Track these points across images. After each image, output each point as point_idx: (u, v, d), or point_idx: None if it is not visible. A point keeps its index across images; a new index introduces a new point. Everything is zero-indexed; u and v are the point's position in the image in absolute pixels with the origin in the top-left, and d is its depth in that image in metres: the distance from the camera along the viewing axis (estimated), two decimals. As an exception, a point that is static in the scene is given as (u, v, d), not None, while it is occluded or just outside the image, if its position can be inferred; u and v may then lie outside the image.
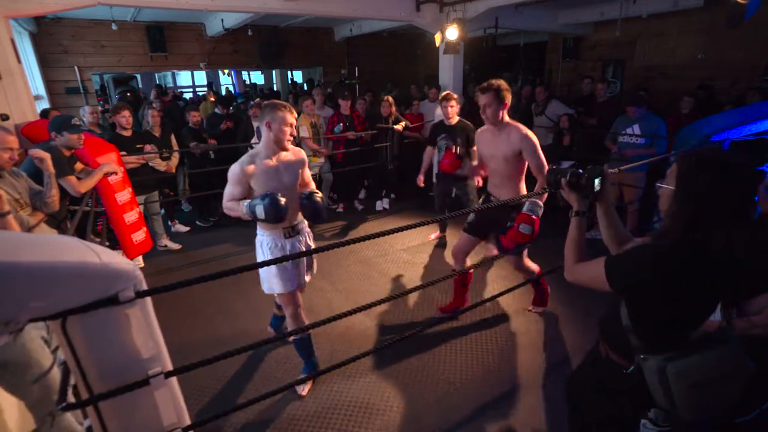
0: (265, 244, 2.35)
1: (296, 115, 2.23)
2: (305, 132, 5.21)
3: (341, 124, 5.37)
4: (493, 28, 6.21)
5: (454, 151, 3.03)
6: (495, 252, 4.29)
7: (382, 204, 5.73)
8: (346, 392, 2.46)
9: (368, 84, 9.19)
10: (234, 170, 2.14)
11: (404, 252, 4.39)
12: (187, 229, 5.11)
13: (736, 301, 1.26)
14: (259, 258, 2.36)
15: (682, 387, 1.18)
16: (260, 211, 2.02)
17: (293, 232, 2.36)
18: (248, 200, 2.10)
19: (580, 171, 1.40)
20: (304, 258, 2.46)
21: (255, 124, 5.04)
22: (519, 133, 2.56)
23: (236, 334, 3.04)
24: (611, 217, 1.46)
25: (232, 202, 2.17)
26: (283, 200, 2.03)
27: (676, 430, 2.03)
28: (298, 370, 2.62)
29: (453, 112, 3.95)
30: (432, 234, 4.69)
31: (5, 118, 3.35)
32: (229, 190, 2.17)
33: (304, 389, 2.45)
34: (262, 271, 2.37)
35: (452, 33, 5.19)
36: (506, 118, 2.62)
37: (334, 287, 3.70)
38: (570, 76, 8.29)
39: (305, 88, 9.44)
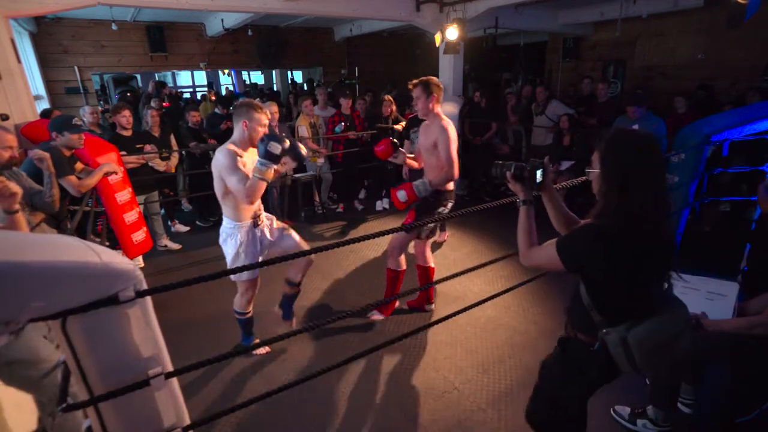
0: (236, 236, 2.44)
1: (269, 116, 2.43)
2: (305, 132, 5.21)
3: (342, 124, 5.37)
4: (493, 28, 6.21)
5: (390, 138, 3.07)
6: (446, 237, 4.58)
7: (382, 204, 5.73)
8: (345, 392, 2.46)
9: (368, 84, 9.19)
10: (231, 158, 2.23)
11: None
12: (187, 228, 5.11)
13: (674, 267, 1.37)
14: (231, 249, 2.45)
15: (642, 352, 1.29)
16: (274, 147, 2.08)
17: (259, 221, 2.50)
18: (256, 163, 2.16)
19: (523, 164, 1.52)
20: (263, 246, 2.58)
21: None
22: (439, 124, 2.70)
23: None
24: (555, 203, 1.59)
25: (247, 183, 2.21)
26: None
27: (676, 430, 2.03)
28: (298, 370, 2.62)
29: None
30: (444, 234, 4.64)
31: (5, 118, 3.34)
32: (238, 176, 2.22)
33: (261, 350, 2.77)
34: (229, 260, 2.48)
35: (452, 33, 5.19)
36: (436, 110, 2.75)
37: (334, 287, 3.70)
38: (570, 76, 8.29)
39: (305, 88, 9.43)
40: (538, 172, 1.50)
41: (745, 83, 5.75)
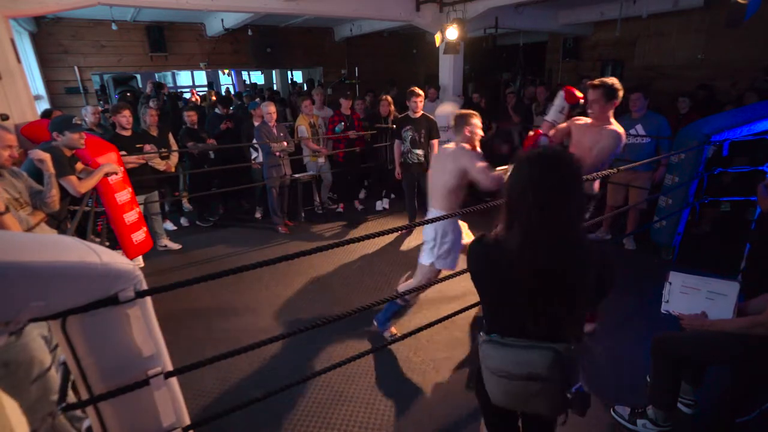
0: (457, 228, 2.69)
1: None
2: (305, 132, 5.21)
3: (342, 124, 5.37)
4: (493, 28, 6.21)
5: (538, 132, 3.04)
6: None
7: (382, 204, 5.73)
8: (346, 392, 2.46)
9: (368, 84, 9.19)
10: (477, 155, 2.58)
11: (404, 252, 4.39)
12: (174, 228, 5.13)
13: (539, 307, 1.18)
14: (453, 237, 2.65)
15: (484, 369, 1.27)
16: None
17: None
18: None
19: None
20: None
21: (256, 124, 5.04)
22: (614, 134, 2.55)
23: (236, 334, 3.04)
24: None
25: (490, 174, 2.43)
26: None
27: (676, 430, 2.03)
28: (298, 370, 2.62)
29: (420, 107, 4.49)
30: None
31: (5, 118, 3.34)
32: (484, 169, 2.47)
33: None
34: (447, 247, 2.65)
35: (452, 33, 5.19)
36: (611, 118, 2.64)
37: (334, 287, 3.70)
38: (570, 76, 8.29)
39: (305, 88, 9.43)
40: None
41: (746, 83, 5.75)
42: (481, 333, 1.33)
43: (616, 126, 2.60)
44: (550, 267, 1.12)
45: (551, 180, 1.12)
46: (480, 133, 2.62)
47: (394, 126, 5.14)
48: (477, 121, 2.60)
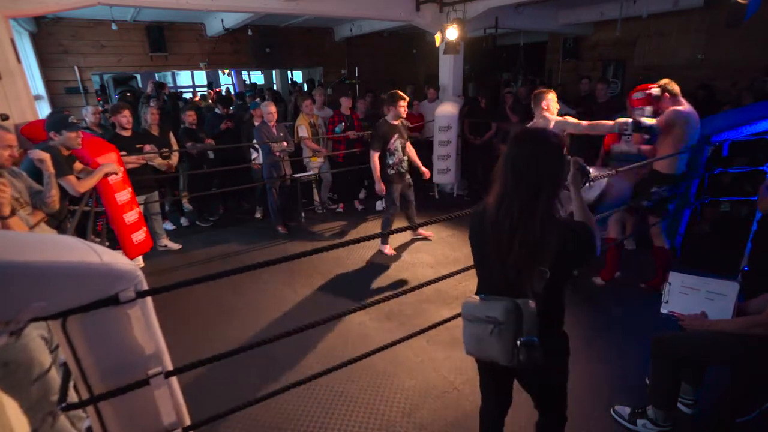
0: None
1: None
2: (305, 132, 5.21)
3: (343, 124, 5.37)
4: (493, 28, 6.21)
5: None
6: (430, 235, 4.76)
7: (382, 204, 5.72)
8: (346, 392, 2.46)
9: (368, 84, 9.18)
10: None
11: (404, 252, 4.39)
12: (174, 228, 5.13)
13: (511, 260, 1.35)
14: None
15: (463, 321, 1.45)
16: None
17: None
18: None
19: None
20: None
21: (256, 124, 5.03)
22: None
23: (236, 333, 3.04)
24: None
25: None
26: None
27: (676, 430, 2.04)
28: (298, 370, 2.62)
29: (405, 111, 4.13)
30: (386, 247, 4.39)
31: (5, 118, 3.34)
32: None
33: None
34: None
35: (452, 33, 5.19)
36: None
37: (334, 287, 3.70)
38: (570, 76, 8.29)
39: (305, 88, 9.43)
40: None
41: (746, 83, 5.75)
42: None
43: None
44: (510, 229, 1.32)
45: (525, 151, 1.34)
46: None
47: (374, 136, 4.85)
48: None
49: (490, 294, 1.41)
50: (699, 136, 3.24)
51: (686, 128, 3.05)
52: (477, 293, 1.50)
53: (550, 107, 3.33)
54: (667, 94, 3.11)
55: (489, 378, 1.67)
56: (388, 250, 4.36)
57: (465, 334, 1.45)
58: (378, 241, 4.40)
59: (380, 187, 4.13)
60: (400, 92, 4.13)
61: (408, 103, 4.18)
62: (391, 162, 4.14)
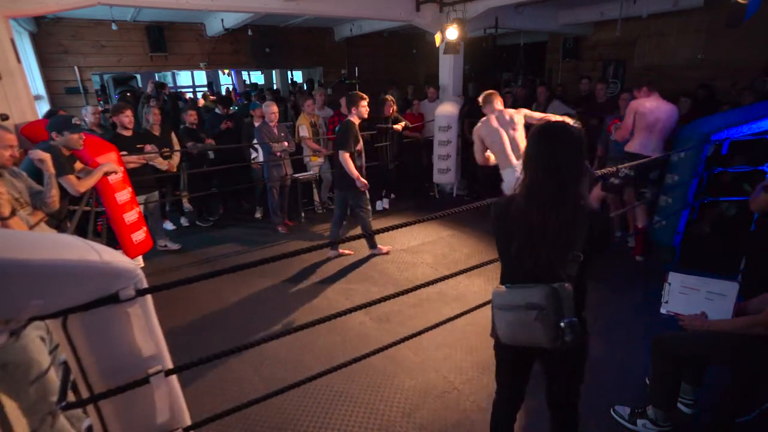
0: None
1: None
2: (305, 132, 5.21)
3: (342, 124, 5.35)
4: (493, 28, 6.21)
5: None
6: None
7: (382, 204, 5.73)
8: (346, 392, 2.46)
9: (368, 84, 9.18)
10: None
11: (404, 252, 4.39)
12: (174, 228, 5.13)
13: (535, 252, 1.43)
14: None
15: (494, 312, 1.50)
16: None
17: None
18: None
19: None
20: None
21: (256, 124, 5.03)
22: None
23: (236, 333, 3.04)
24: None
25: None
26: None
27: (676, 430, 2.04)
28: (298, 370, 2.62)
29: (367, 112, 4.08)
30: (385, 248, 4.38)
31: (5, 118, 3.34)
32: None
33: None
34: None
35: (452, 33, 5.19)
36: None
37: (334, 287, 3.70)
38: (570, 76, 8.28)
39: (305, 88, 9.43)
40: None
41: (746, 83, 5.75)
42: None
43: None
44: (542, 218, 1.38)
45: (551, 145, 1.41)
46: None
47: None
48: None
49: (517, 282, 1.46)
50: (674, 125, 3.75)
51: (638, 116, 3.70)
52: (502, 283, 1.56)
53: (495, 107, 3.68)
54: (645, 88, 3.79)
55: (509, 367, 1.70)
56: (386, 249, 4.36)
57: (500, 324, 1.49)
58: (378, 240, 4.40)
59: (362, 182, 3.98)
60: (360, 93, 4.07)
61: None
62: (359, 164, 4.08)
